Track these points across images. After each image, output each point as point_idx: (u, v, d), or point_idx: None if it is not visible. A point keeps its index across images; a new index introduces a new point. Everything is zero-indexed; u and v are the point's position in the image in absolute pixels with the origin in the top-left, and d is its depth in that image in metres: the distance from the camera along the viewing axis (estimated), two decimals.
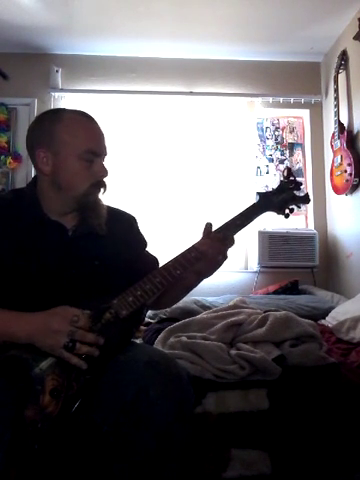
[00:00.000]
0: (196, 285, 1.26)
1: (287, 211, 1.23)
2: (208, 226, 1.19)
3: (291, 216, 1.25)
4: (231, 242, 1.18)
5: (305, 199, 1.25)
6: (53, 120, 1.15)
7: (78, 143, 1.13)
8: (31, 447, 0.95)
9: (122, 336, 1.12)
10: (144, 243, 1.35)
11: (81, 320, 1.01)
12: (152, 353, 1.15)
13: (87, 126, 1.17)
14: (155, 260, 1.31)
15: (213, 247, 1.14)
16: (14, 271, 1.10)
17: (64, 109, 1.21)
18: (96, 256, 1.17)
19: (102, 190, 1.19)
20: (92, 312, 1.03)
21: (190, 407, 1.09)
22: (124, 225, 1.30)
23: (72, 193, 1.15)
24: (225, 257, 1.18)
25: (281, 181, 1.24)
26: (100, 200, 1.20)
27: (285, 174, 1.24)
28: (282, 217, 1.25)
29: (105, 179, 1.19)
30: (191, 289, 1.28)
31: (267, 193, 1.22)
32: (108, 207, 1.24)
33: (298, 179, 1.26)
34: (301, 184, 1.25)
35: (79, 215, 1.18)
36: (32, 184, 1.22)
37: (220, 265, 1.19)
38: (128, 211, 1.36)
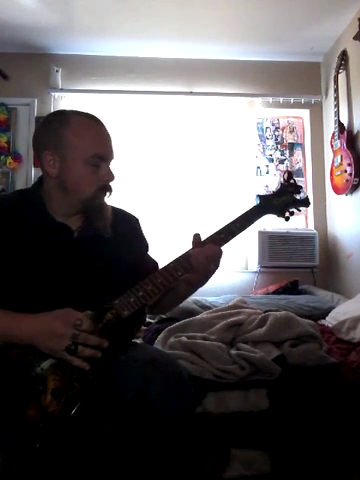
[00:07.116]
0: (190, 295, 1.26)
1: (287, 214, 1.25)
2: (196, 237, 1.16)
3: (291, 216, 1.27)
4: (220, 251, 1.15)
5: (305, 202, 1.27)
6: (61, 123, 1.14)
7: (86, 147, 1.13)
8: (32, 447, 0.95)
9: (123, 336, 1.12)
10: (146, 246, 1.35)
11: (84, 323, 1.00)
12: (153, 353, 1.15)
13: (95, 130, 1.16)
14: (155, 265, 1.31)
15: (204, 255, 1.12)
16: (18, 272, 1.10)
17: (73, 111, 1.19)
18: (101, 257, 1.16)
19: (108, 194, 1.19)
20: (94, 312, 1.03)
21: (191, 407, 1.09)
22: (128, 226, 1.30)
23: (78, 196, 1.15)
24: (217, 266, 1.16)
25: (281, 184, 1.25)
26: (105, 203, 1.20)
27: (285, 177, 1.25)
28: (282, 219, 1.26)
29: (111, 183, 1.18)
30: (184, 298, 1.28)
31: (267, 196, 1.24)
32: (112, 207, 1.24)
33: (298, 180, 1.27)
34: (301, 187, 1.27)
35: (84, 217, 1.18)
36: (37, 185, 1.22)
37: (212, 274, 1.17)
38: (130, 211, 1.36)
